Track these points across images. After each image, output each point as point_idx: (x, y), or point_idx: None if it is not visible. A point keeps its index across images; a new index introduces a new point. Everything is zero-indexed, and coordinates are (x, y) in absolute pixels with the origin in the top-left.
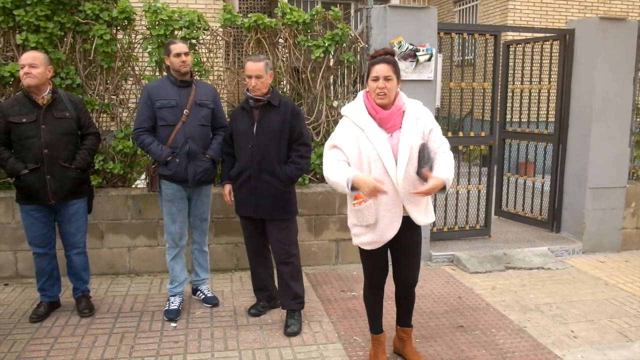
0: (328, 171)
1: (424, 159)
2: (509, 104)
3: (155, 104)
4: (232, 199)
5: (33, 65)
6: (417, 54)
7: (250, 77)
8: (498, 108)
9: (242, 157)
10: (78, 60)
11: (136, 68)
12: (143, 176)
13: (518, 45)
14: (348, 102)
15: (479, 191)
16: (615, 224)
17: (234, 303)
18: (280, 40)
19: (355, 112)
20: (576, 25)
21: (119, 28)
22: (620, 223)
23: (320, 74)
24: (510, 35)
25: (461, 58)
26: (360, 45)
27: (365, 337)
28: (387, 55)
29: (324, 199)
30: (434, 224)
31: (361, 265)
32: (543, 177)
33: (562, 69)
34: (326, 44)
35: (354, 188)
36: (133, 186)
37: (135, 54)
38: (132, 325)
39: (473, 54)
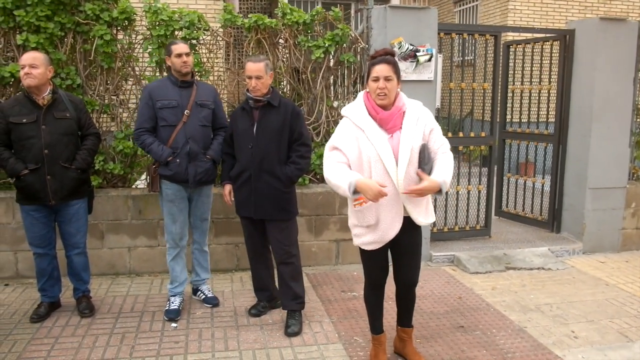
0: (329, 174)
1: (425, 159)
2: (509, 105)
3: (156, 104)
4: (232, 199)
5: (33, 66)
6: (417, 54)
7: (250, 77)
8: (498, 108)
9: (242, 157)
10: (78, 60)
11: (136, 68)
12: (143, 176)
13: (518, 46)
14: (348, 103)
15: (479, 191)
16: (616, 224)
17: (234, 303)
18: (281, 41)
19: (355, 112)
20: (576, 25)
21: (119, 28)
22: (621, 223)
23: (321, 74)
24: (510, 36)
25: (461, 58)
26: (361, 46)
27: (365, 338)
28: (387, 56)
29: (324, 200)
30: (434, 224)
31: (361, 266)
32: (543, 178)
33: (562, 69)
34: (326, 45)
35: (355, 192)
36: (133, 186)
37: (135, 54)
38: (132, 325)
39: (473, 55)
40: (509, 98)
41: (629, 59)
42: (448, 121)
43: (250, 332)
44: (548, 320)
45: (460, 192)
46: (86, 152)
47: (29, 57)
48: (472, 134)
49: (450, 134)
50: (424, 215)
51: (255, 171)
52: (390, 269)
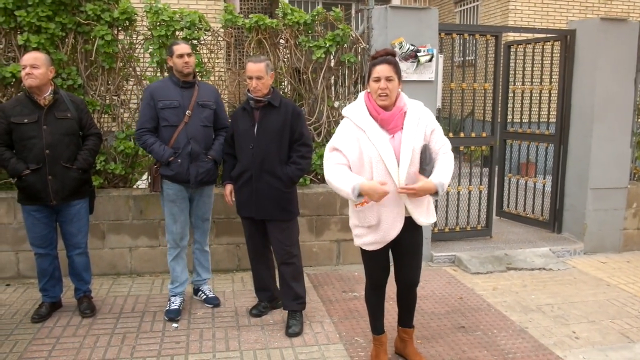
0: (331, 176)
1: (426, 160)
2: (510, 105)
3: (158, 104)
4: (234, 199)
5: (34, 66)
6: (418, 54)
7: (251, 78)
8: (499, 109)
9: (243, 157)
10: (79, 60)
11: (137, 69)
12: (144, 177)
13: (519, 46)
14: (349, 103)
15: (480, 192)
16: (617, 224)
17: (235, 303)
18: (281, 41)
19: (356, 113)
20: (577, 25)
21: (120, 29)
22: (622, 224)
23: (321, 74)
24: (511, 36)
25: (462, 59)
26: (361, 46)
27: (366, 338)
28: (388, 56)
29: (325, 200)
30: (435, 224)
31: (362, 266)
32: (544, 178)
33: (563, 69)
34: (327, 45)
35: (359, 195)
36: (134, 187)
37: (136, 54)
38: (133, 325)
39: (474, 55)
40: (509, 98)
41: (629, 59)
42: (449, 121)
43: (251, 332)
44: (549, 320)
45: (461, 193)
46: (87, 152)
47: (30, 57)
48: (473, 134)
49: (451, 134)
50: (425, 216)
51: (256, 171)
52: (392, 269)
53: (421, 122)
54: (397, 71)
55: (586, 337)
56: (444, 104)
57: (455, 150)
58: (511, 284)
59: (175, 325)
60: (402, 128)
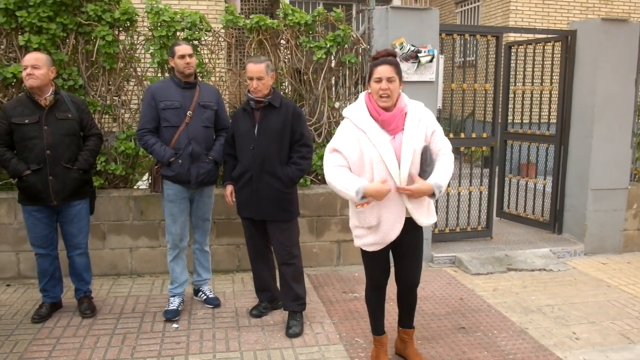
0: (332, 178)
1: (426, 161)
2: (510, 105)
3: (159, 105)
4: (234, 199)
5: (35, 67)
6: (419, 55)
7: (251, 78)
8: (500, 109)
9: (244, 158)
10: (80, 61)
11: (138, 69)
12: (145, 177)
13: (520, 47)
14: (350, 104)
15: (481, 192)
16: (617, 225)
17: (235, 304)
18: (282, 42)
19: (356, 114)
20: (578, 26)
21: (121, 29)
22: (622, 224)
23: (322, 75)
24: (512, 37)
25: (463, 59)
26: (362, 47)
27: (367, 339)
28: (389, 57)
29: (326, 200)
30: (435, 225)
31: (363, 267)
32: (545, 179)
33: (563, 70)
34: (328, 45)
35: (362, 197)
36: (135, 187)
37: (137, 55)
38: (134, 326)
39: (475, 55)
40: (510, 99)
41: (630, 59)
42: (449, 122)
43: (251, 332)
44: (549, 321)
45: (461, 193)
46: (88, 152)
47: (31, 57)
48: (473, 135)
49: (451, 135)
50: (426, 216)
51: (256, 172)
52: (392, 270)
53: (422, 123)
54: (398, 72)
55: (586, 338)
56: (445, 105)
57: (455, 150)
58: (511, 285)
59: (175, 325)
60: (403, 129)
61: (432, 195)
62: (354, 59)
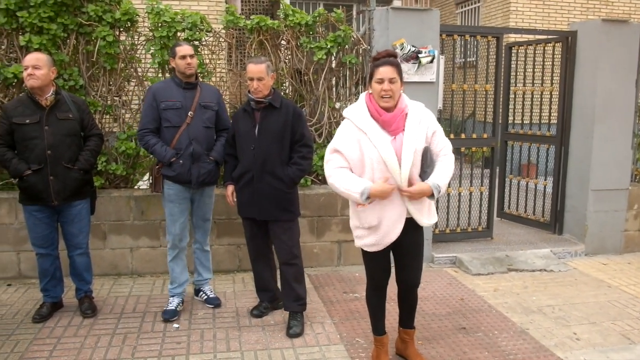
0: (335, 180)
1: (427, 162)
2: (511, 106)
3: (160, 105)
4: (235, 200)
5: (36, 67)
6: (420, 55)
7: (251, 79)
8: (500, 110)
9: (245, 158)
10: (81, 61)
11: (139, 69)
12: (145, 177)
13: (520, 47)
14: (350, 104)
15: (481, 193)
16: (618, 226)
17: (236, 304)
18: (283, 42)
19: (357, 114)
20: (578, 27)
21: (122, 30)
22: (623, 225)
23: (323, 75)
24: (512, 37)
25: (463, 60)
26: (363, 47)
27: (367, 339)
28: (391, 58)
29: (326, 201)
30: (436, 225)
31: (363, 267)
32: (545, 179)
33: (564, 70)
34: (328, 46)
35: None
36: (135, 187)
37: (138, 55)
38: (134, 325)
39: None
40: (511, 99)
41: (631, 60)
42: (450, 122)
43: (252, 333)
44: (550, 322)
45: (462, 194)
46: (89, 152)
47: (32, 58)
48: (474, 136)
49: (452, 135)
50: (427, 216)
51: (257, 172)
52: (392, 270)
53: (422, 124)
54: (400, 72)
55: (587, 338)
56: (445, 105)
57: (456, 151)
58: (512, 285)
59: (176, 325)
60: (403, 130)
61: (432, 195)
62: (354, 60)
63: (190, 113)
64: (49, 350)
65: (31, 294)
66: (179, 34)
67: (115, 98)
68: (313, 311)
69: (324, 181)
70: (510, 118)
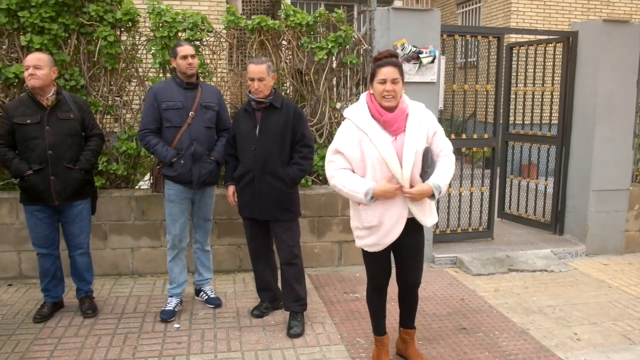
0: (338, 181)
1: (428, 162)
2: (512, 106)
3: (161, 105)
4: (236, 200)
5: (37, 67)
6: (420, 56)
7: (252, 79)
8: (501, 110)
9: (245, 159)
10: (82, 61)
11: (140, 69)
12: (146, 177)
13: (521, 48)
14: (351, 104)
15: (482, 193)
16: (619, 226)
17: (236, 304)
18: (284, 42)
19: (358, 115)
20: (579, 27)
21: (123, 30)
22: (624, 225)
23: (324, 75)
24: (513, 37)
25: (464, 60)
26: (364, 47)
27: (368, 339)
28: (392, 58)
29: (327, 201)
30: (436, 225)
31: (364, 267)
32: (546, 180)
33: (565, 71)
34: (329, 46)
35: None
36: (136, 187)
37: (139, 55)
38: (135, 325)
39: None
40: (511, 100)
41: (632, 60)
42: (451, 123)
43: (252, 333)
44: (551, 322)
45: (462, 194)
46: (90, 153)
47: (33, 58)
48: (475, 136)
49: (453, 136)
50: (430, 217)
51: (258, 172)
52: (393, 270)
53: (423, 124)
54: (402, 73)
55: (588, 338)
56: (446, 106)
57: (457, 151)
58: (513, 286)
59: (177, 325)
60: (404, 130)
61: (432, 196)
62: (355, 60)
63: (191, 113)
64: (49, 350)
65: (32, 294)
66: (180, 34)
67: (116, 98)
68: (314, 311)
69: (324, 181)
70: (511, 118)
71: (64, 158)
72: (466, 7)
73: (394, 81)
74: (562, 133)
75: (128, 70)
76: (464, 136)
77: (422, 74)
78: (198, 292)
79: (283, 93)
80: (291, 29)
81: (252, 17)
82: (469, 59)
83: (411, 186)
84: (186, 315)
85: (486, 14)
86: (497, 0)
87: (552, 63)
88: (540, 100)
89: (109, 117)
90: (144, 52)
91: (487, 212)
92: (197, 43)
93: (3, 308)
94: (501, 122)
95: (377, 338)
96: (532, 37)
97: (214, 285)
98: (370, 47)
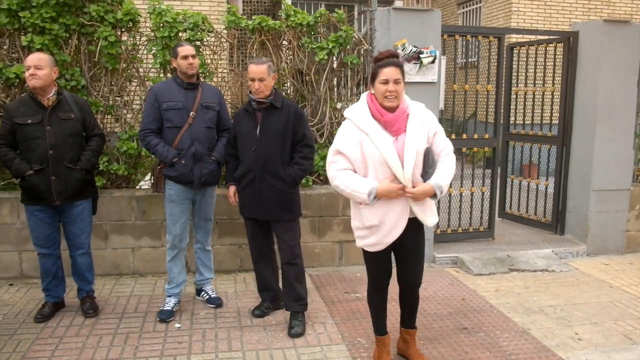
0: (340, 182)
1: (429, 162)
2: (512, 106)
3: (162, 105)
4: (237, 200)
5: (38, 67)
6: (421, 56)
7: (253, 79)
8: (502, 110)
9: (246, 159)
10: (83, 61)
11: (140, 70)
12: (147, 177)
13: (522, 48)
14: (352, 104)
15: (483, 193)
16: (620, 226)
17: (237, 304)
18: (284, 42)
19: (358, 115)
20: (580, 27)
21: (123, 30)
22: (625, 225)
23: (324, 76)
24: (514, 38)
25: (465, 60)
26: (364, 48)
27: (369, 339)
28: (394, 58)
29: (328, 201)
30: (437, 225)
31: (365, 267)
32: (547, 180)
33: (566, 71)
34: (330, 46)
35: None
36: (137, 187)
37: (139, 55)
38: (136, 325)
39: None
40: (512, 100)
41: (632, 60)
42: (451, 123)
43: (253, 332)
44: (552, 322)
45: (463, 194)
46: (91, 153)
47: (33, 58)
48: (475, 136)
49: (453, 136)
50: (431, 216)
51: (259, 173)
52: (394, 270)
53: (424, 124)
54: (403, 73)
55: (589, 338)
56: (447, 106)
57: (457, 151)
58: (514, 286)
59: (178, 325)
60: (405, 130)
61: (434, 195)
62: (356, 60)
63: (192, 113)
64: (50, 350)
65: (33, 294)
66: (180, 34)
67: (117, 98)
68: (315, 311)
69: (325, 181)
70: (512, 118)
71: (65, 158)
72: (467, 7)
73: (396, 81)
74: (563, 133)
75: (129, 71)
76: (464, 136)
77: (423, 74)
78: (199, 292)
79: (284, 93)
80: (292, 29)
81: (253, 17)
82: (469, 59)
83: (413, 186)
84: (187, 315)
85: (487, 14)
86: (498, 0)
87: (552, 63)
88: (540, 100)
89: (109, 117)
90: (145, 52)
91: (487, 212)
92: (198, 43)
93: (4, 308)
94: (502, 122)
95: (378, 338)
96: (532, 37)
97: (215, 285)
98: (370, 48)
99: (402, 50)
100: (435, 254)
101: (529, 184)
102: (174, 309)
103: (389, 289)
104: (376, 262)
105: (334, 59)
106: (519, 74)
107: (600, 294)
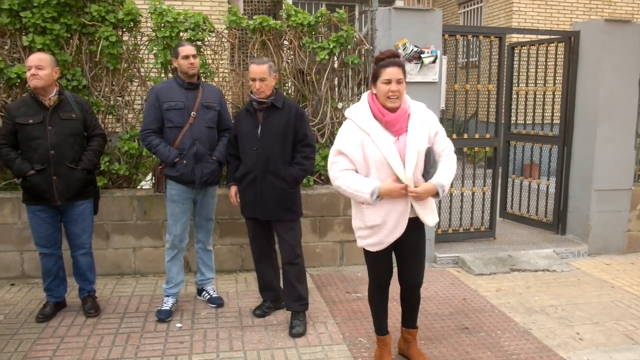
0: (342, 182)
1: (430, 162)
2: (513, 106)
3: (163, 105)
4: (238, 200)
5: (40, 67)
6: (422, 55)
7: (254, 79)
8: (503, 110)
9: (247, 159)
10: (84, 61)
11: (142, 70)
12: (148, 177)
13: (523, 47)
14: (353, 104)
15: (484, 193)
16: (621, 226)
17: (239, 304)
18: (285, 42)
19: (360, 115)
20: (581, 27)
21: (124, 30)
22: (626, 225)
23: (325, 75)
24: (515, 37)
25: (466, 60)
26: (365, 47)
27: (370, 339)
28: (396, 58)
29: (329, 201)
30: (438, 225)
31: (366, 267)
32: (548, 179)
33: (567, 71)
34: (331, 46)
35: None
36: (138, 187)
37: (140, 55)
38: (137, 325)
39: (478, 56)
40: (513, 100)
41: (633, 60)
42: (452, 122)
43: (254, 332)
44: (553, 322)
45: (464, 194)
46: (92, 152)
47: (35, 58)
48: (476, 136)
49: (454, 136)
50: (432, 216)
51: (260, 172)
52: (395, 270)
53: (425, 124)
54: (405, 73)
55: (590, 338)
56: (448, 105)
57: (458, 151)
58: (515, 285)
59: (179, 325)
60: (406, 130)
61: (436, 195)
62: (357, 60)
63: (192, 113)
64: (52, 350)
65: (34, 294)
66: (181, 34)
67: (118, 98)
68: (316, 311)
69: (326, 181)
70: (513, 118)
71: (66, 158)
72: (468, 7)
73: (398, 81)
74: (564, 133)
75: (130, 71)
76: (465, 136)
77: (424, 74)
78: (200, 291)
79: (285, 93)
80: (293, 29)
81: (254, 17)
82: (470, 59)
83: (415, 186)
84: (188, 314)
85: (488, 13)
86: (499, 0)
87: (553, 63)
88: (542, 100)
89: (110, 117)
90: (146, 52)
91: (489, 211)
92: (199, 43)
93: (6, 308)
94: (503, 122)
95: (379, 338)
96: (533, 37)
97: (216, 285)
98: (371, 47)
99: (403, 50)
100: (436, 254)
101: (530, 183)
102: (172, 309)
103: (390, 288)
104: (377, 262)
105: (335, 58)
106: (520, 73)
107: (601, 294)
